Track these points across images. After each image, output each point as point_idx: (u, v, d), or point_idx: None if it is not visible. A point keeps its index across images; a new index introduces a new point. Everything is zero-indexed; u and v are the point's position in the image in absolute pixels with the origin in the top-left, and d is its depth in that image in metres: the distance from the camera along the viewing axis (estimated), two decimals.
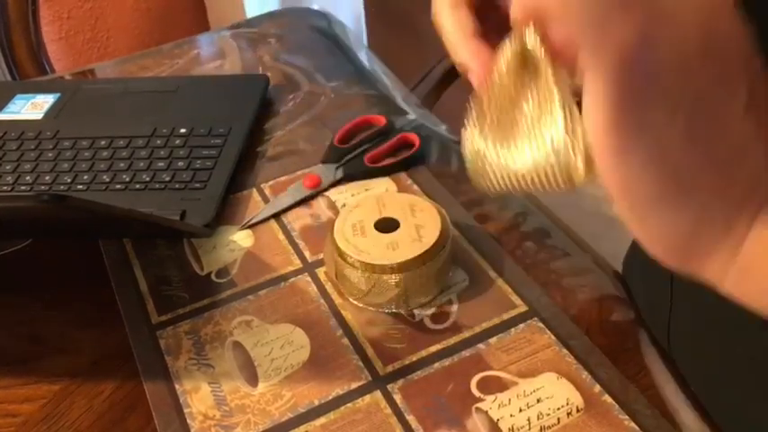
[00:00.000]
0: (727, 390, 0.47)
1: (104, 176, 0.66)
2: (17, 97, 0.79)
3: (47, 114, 0.76)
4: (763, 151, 0.26)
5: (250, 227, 0.62)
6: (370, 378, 0.49)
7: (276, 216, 0.63)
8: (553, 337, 0.51)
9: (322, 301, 0.55)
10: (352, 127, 0.70)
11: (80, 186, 0.66)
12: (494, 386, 0.48)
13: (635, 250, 0.61)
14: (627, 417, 0.45)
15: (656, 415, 0.46)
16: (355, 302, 0.54)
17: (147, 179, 0.66)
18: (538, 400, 0.47)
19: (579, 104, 0.27)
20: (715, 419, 0.46)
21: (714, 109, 0.25)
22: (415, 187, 0.65)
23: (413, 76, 1.07)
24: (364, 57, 0.88)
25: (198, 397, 0.49)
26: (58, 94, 0.79)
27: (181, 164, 0.67)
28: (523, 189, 0.31)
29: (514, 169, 0.31)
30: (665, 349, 0.51)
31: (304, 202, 0.64)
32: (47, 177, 0.67)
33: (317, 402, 0.48)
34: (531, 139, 0.30)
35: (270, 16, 0.97)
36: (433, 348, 0.51)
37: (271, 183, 0.67)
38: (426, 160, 0.68)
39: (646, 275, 0.56)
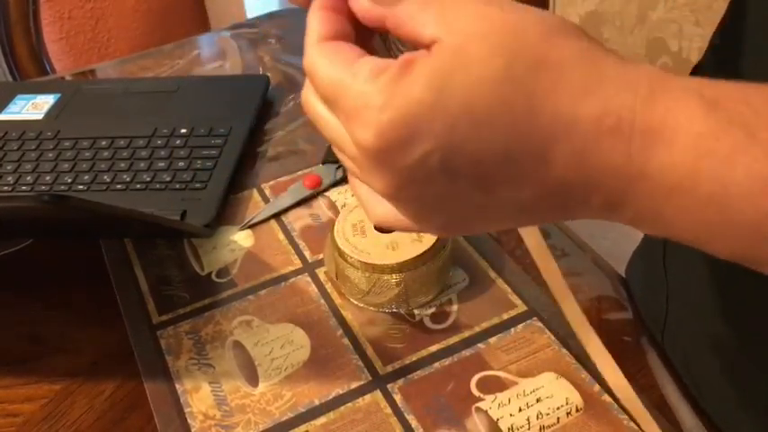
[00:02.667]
0: (724, 389, 0.47)
1: (105, 177, 0.67)
2: (18, 98, 0.79)
3: (47, 115, 0.76)
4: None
5: (250, 227, 0.62)
6: (370, 378, 0.49)
7: (276, 216, 0.63)
8: (552, 336, 0.51)
9: (322, 301, 0.55)
10: None
11: (81, 186, 0.66)
12: (493, 386, 0.48)
13: (637, 256, 0.61)
14: (626, 417, 0.46)
15: (656, 415, 0.46)
16: (355, 302, 0.54)
17: (148, 179, 0.66)
18: (537, 400, 0.47)
19: None
20: (713, 419, 0.47)
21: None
22: None
23: None
24: None
25: (198, 396, 0.49)
26: (58, 95, 0.79)
27: (181, 164, 0.67)
28: None
29: None
30: (662, 349, 0.51)
31: (304, 202, 0.64)
32: (47, 177, 0.67)
33: (317, 402, 0.48)
34: None
35: (270, 17, 0.98)
36: (433, 348, 0.51)
37: (271, 183, 0.67)
38: None
39: (644, 278, 0.56)
